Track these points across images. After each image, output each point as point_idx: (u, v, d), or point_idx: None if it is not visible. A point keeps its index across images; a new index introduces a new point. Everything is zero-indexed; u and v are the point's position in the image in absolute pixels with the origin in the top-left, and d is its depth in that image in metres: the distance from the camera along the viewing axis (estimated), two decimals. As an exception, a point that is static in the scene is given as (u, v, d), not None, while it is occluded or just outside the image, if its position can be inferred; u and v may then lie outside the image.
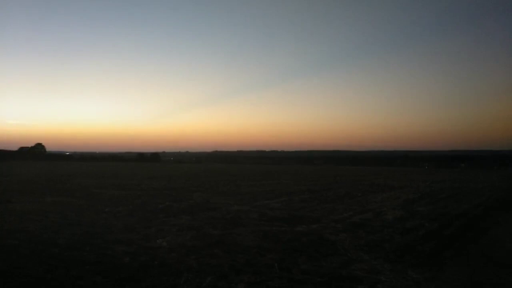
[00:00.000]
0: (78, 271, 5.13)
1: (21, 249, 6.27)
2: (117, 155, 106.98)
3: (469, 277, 5.30)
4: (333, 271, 5.37)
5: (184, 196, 14.84)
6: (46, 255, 5.95)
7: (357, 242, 7.18)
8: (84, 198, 13.56)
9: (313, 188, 19.98)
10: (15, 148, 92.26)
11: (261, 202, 13.19)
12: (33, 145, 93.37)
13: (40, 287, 4.55)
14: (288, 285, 4.76)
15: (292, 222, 9.17)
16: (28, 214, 9.81)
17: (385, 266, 5.65)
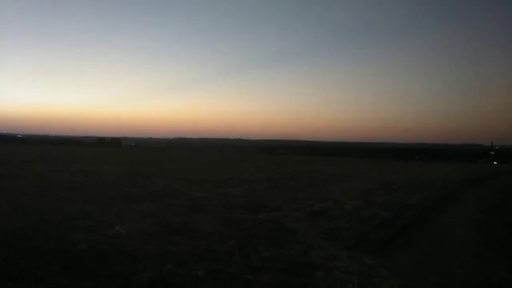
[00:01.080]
0: (33, 260, 4.92)
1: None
2: (75, 139, 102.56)
3: (418, 262, 5.62)
4: (292, 258, 5.50)
5: (145, 182, 14.55)
6: (-5, 242, 5.65)
7: (316, 230, 7.38)
8: (39, 184, 12.95)
9: (275, 176, 20.23)
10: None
11: (223, 190, 13.20)
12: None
13: (-13, 276, 4.32)
14: (247, 272, 4.82)
15: (253, 210, 9.26)
16: (-25, 199, 9.24)
17: (342, 253, 5.86)
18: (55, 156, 33.14)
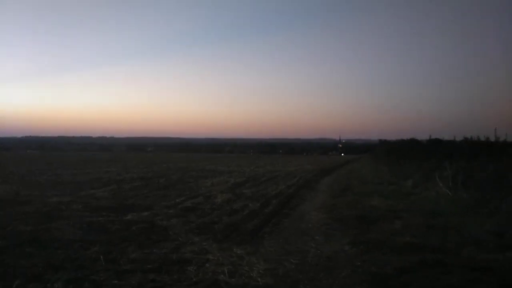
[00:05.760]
0: None
1: None
2: None
3: (282, 246, 6.13)
4: (164, 256, 5.39)
5: (-15, 189, 12.29)
6: None
7: (188, 226, 7.37)
8: None
9: (145, 175, 19.46)
10: None
11: (86, 192, 12.08)
12: None
13: None
14: (114, 277, 4.53)
15: (121, 211, 8.73)
16: None
17: (213, 246, 5.99)
18: None
